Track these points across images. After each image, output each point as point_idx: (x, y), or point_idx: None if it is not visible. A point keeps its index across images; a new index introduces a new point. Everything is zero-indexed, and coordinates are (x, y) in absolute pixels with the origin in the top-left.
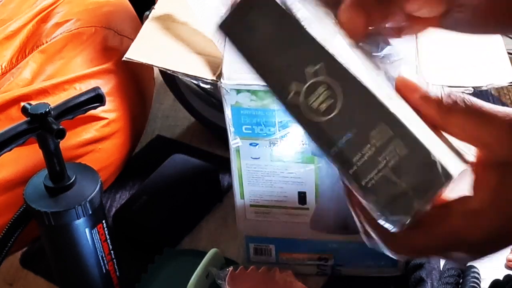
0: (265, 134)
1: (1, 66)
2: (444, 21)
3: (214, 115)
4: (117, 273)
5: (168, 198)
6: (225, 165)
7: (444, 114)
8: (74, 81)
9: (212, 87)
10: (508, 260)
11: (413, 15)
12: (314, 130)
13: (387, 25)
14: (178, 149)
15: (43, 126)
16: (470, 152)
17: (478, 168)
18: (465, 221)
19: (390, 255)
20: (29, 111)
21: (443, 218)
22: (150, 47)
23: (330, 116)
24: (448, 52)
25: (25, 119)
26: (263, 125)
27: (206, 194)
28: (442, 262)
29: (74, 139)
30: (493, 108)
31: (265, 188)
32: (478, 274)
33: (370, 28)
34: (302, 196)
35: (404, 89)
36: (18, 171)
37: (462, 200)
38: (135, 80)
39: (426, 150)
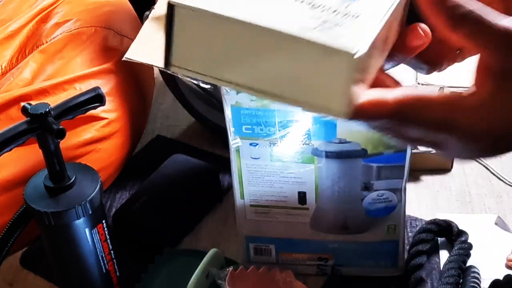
0: (265, 134)
1: (1, 66)
2: None
3: (214, 115)
4: (117, 273)
5: (168, 198)
6: (225, 165)
7: (455, 21)
8: (74, 81)
9: (212, 87)
10: (508, 260)
11: None
12: None
13: None
14: (178, 149)
15: (43, 126)
16: None
17: (479, 71)
18: (461, 113)
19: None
20: (29, 111)
21: (442, 104)
22: (150, 47)
23: None
24: None
25: (25, 119)
26: (263, 125)
27: (206, 194)
28: (442, 262)
29: (74, 139)
30: (496, 17)
31: (265, 188)
32: (478, 274)
33: None
34: (302, 196)
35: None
36: (18, 171)
37: (462, 96)
38: (135, 80)
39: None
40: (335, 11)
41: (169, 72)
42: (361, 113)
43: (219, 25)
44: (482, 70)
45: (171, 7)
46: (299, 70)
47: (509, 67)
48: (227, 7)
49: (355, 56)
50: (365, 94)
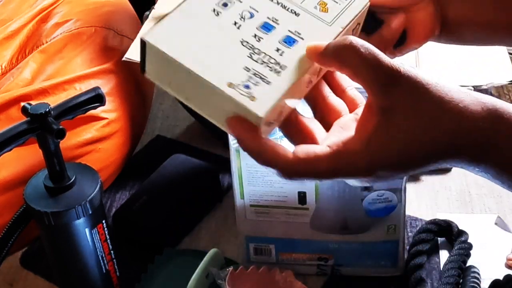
0: None
1: (1, 66)
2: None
3: None
4: (117, 273)
5: (168, 198)
6: (225, 165)
7: (338, 65)
8: (74, 81)
9: None
10: (508, 260)
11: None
12: None
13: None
14: (178, 149)
15: (43, 126)
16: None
17: (364, 110)
18: (344, 159)
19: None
20: (29, 111)
21: (328, 158)
22: None
23: None
24: (448, 51)
25: (25, 119)
26: None
27: (206, 194)
28: (442, 262)
29: (74, 139)
30: (381, 59)
31: (265, 188)
32: (478, 274)
33: None
34: (302, 196)
35: (310, 54)
36: (18, 171)
37: (346, 141)
38: (135, 80)
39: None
40: (269, 59)
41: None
42: (262, 153)
43: (175, 65)
44: (364, 110)
45: (143, 42)
46: (224, 109)
47: (387, 104)
48: (183, 52)
49: (262, 117)
50: (272, 145)
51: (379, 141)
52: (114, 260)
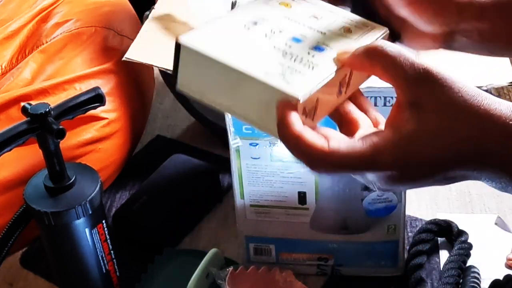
0: (265, 134)
1: (1, 66)
2: (449, 43)
3: (214, 115)
4: (117, 273)
5: (168, 198)
6: (225, 165)
7: (369, 64)
8: (74, 81)
9: None
10: (508, 260)
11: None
12: None
13: None
14: (178, 149)
15: (43, 126)
16: None
17: (394, 106)
18: (371, 151)
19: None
20: (29, 111)
21: (358, 147)
22: (150, 47)
23: None
24: (448, 52)
25: (25, 119)
26: None
27: (206, 194)
28: (442, 262)
29: (74, 139)
30: (410, 57)
31: (265, 188)
32: (478, 274)
33: None
34: (302, 196)
35: (342, 55)
36: (18, 171)
37: (375, 133)
38: (135, 80)
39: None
40: (301, 59)
41: (177, 90)
42: (298, 145)
43: (211, 64)
44: (394, 108)
45: (178, 46)
46: (262, 103)
47: (414, 98)
48: (219, 51)
49: (298, 98)
50: (312, 136)
51: (409, 136)
52: (114, 260)
